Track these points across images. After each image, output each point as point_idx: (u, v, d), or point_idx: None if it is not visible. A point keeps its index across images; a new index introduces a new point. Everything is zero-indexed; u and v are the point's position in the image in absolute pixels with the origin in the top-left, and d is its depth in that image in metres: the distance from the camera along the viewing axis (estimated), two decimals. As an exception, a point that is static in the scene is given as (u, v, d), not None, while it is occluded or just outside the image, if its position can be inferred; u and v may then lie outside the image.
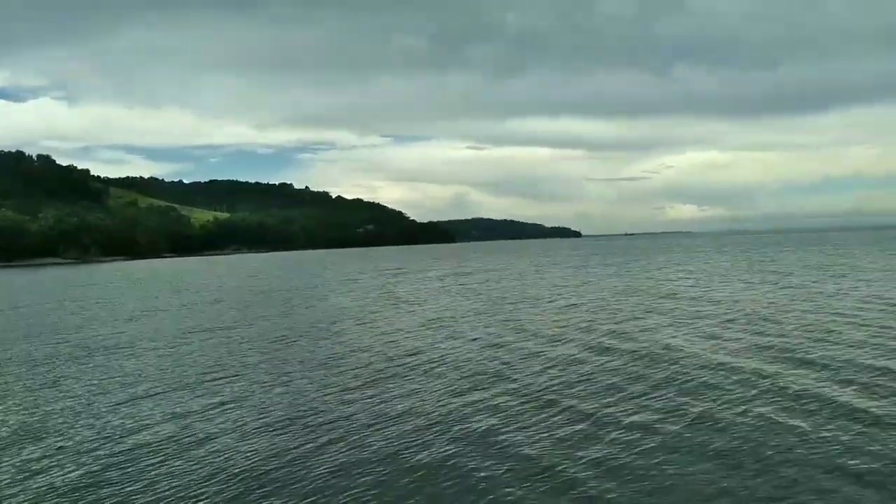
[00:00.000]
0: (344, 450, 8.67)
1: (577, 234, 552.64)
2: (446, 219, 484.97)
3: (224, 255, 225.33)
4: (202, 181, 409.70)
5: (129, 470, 8.25)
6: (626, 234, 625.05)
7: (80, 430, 10.02)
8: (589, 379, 12.12)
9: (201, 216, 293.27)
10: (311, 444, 8.94)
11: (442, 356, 15.04)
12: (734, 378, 11.66)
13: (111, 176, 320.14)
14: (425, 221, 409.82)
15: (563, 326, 19.06)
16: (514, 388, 11.66)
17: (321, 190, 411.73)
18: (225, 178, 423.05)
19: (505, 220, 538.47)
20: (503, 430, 9.24)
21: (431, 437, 9.11)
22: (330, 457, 8.43)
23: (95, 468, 8.33)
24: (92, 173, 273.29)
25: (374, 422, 9.88)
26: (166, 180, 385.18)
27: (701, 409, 9.89)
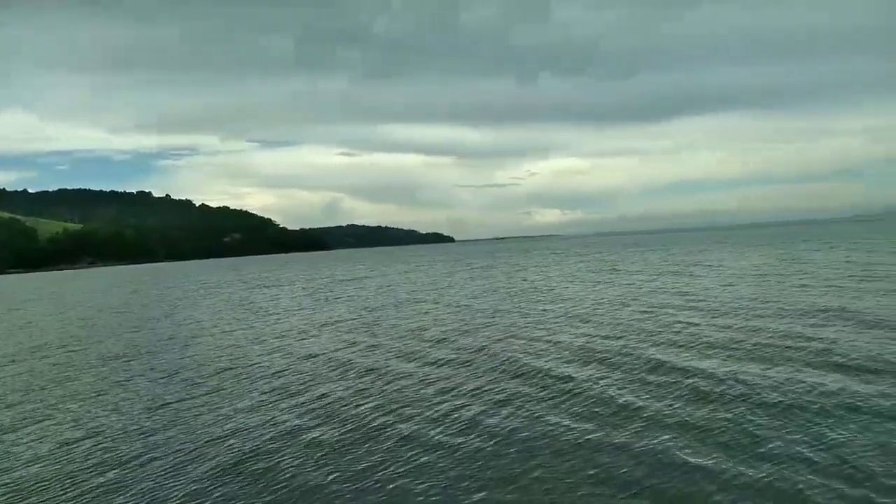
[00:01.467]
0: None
1: (450, 240, 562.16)
2: (319, 226, 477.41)
3: (77, 269, 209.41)
4: (50, 190, 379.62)
5: None
6: (496, 239, 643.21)
7: None
8: (436, 375, 11.59)
9: (49, 228, 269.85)
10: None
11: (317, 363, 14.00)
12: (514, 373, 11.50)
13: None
14: (297, 229, 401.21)
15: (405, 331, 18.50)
16: (326, 393, 11.07)
17: (183, 198, 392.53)
18: (76, 186, 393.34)
19: (379, 226, 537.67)
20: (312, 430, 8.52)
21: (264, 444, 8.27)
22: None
23: None
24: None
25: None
26: (8, 189, 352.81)
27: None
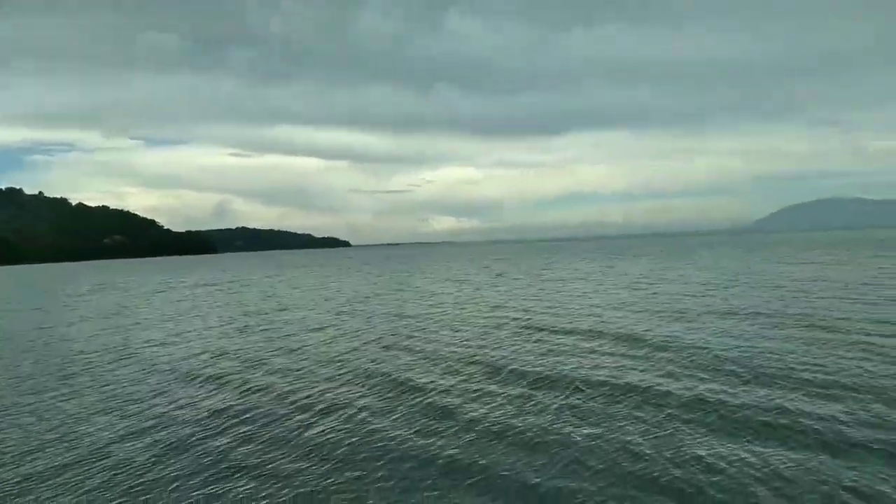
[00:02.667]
0: None
1: (346, 244, 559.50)
2: (208, 228, 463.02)
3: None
4: None
5: None
6: (393, 244, 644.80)
7: None
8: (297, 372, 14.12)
9: None
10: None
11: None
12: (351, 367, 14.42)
13: None
14: (183, 231, 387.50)
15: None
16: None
17: (58, 196, 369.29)
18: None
19: (273, 229, 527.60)
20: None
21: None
22: None
23: None
24: None
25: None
26: None
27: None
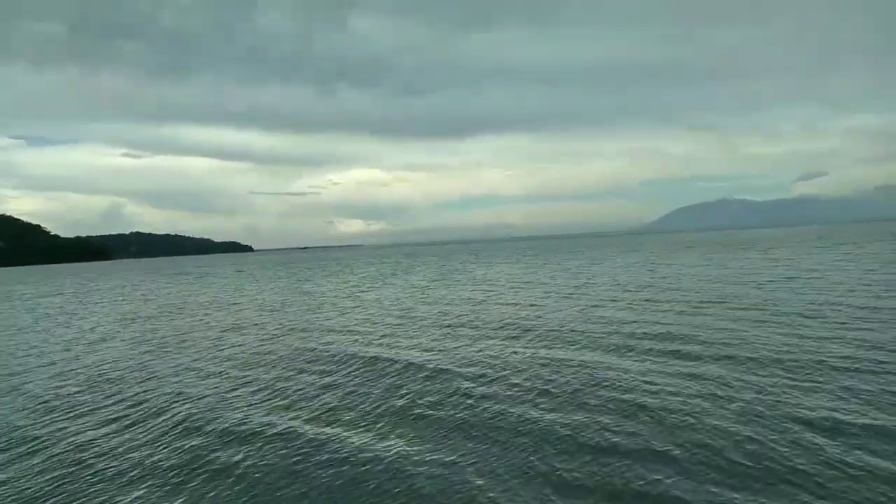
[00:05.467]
0: None
1: (248, 249, 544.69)
2: (99, 233, 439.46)
3: None
4: None
5: None
6: (299, 248, 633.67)
7: None
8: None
9: None
10: None
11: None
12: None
13: None
14: (72, 237, 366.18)
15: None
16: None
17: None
18: None
19: (169, 234, 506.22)
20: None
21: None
22: None
23: None
24: None
25: None
26: None
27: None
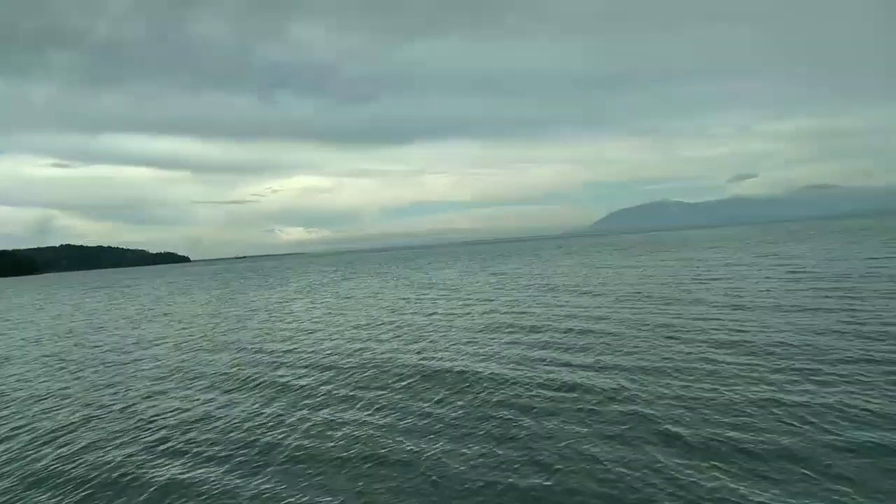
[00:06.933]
0: None
1: (185, 259, 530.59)
2: (27, 247, 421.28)
3: None
4: None
5: None
6: (238, 258, 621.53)
7: None
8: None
9: None
10: None
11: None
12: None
13: None
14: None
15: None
16: None
17: None
18: None
19: (101, 246, 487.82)
20: None
21: None
22: None
23: None
24: None
25: None
26: None
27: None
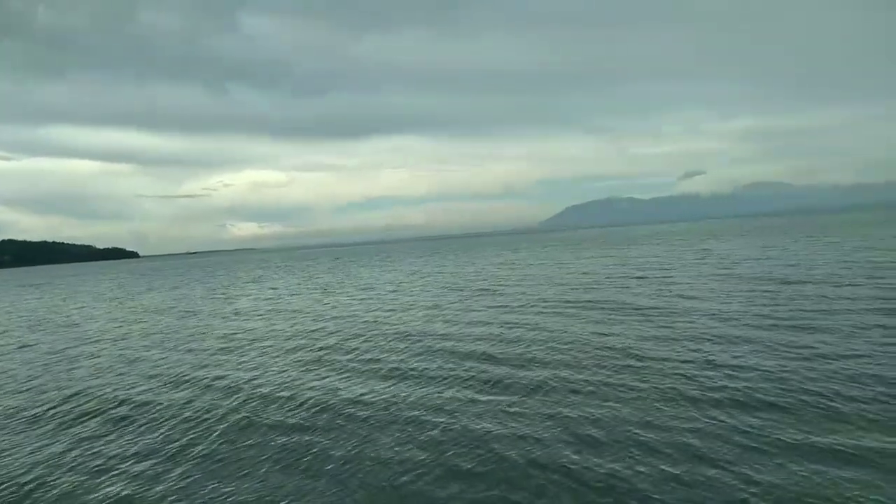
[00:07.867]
0: None
1: (134, 255, 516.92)
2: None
3: None
4: None
5: None
6: (189, 253, 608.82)
7: None
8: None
9: None
10: None
11: None
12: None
13: None
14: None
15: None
16: None
17: None
18: None
19: (45, 241, 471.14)
20: None
21: None
22: None
23: None
24: None
25: None
26: None
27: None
